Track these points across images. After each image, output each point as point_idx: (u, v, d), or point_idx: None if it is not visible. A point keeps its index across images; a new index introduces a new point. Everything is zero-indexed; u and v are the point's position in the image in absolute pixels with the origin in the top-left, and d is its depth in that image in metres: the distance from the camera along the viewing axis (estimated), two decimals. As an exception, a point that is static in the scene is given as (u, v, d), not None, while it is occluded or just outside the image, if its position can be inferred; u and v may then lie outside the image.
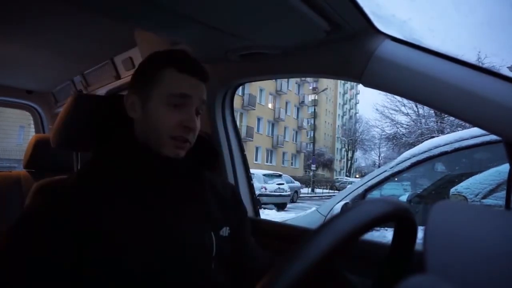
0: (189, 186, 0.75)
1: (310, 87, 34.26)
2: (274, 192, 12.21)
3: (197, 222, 0.72)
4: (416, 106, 17.45)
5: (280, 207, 11.90)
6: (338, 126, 41.95)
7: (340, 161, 42.52)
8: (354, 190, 2.26)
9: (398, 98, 15.65)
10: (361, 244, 0.92)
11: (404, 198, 2.79)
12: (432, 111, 15.10)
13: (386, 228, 1.82)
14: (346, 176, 37.76)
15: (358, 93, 47.12)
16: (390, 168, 2.22)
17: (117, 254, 0.60)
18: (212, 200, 0.80)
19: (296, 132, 33.58)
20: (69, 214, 0.60)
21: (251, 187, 1.40)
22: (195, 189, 0.77)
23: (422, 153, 2.14)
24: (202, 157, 0.81)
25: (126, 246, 0.61)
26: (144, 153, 0.70)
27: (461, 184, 2.29)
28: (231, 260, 0.79)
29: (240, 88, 1.55)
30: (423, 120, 17.75)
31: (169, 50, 0.76)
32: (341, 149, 42.07)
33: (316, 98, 32.70)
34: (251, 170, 1.48)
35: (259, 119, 26.87)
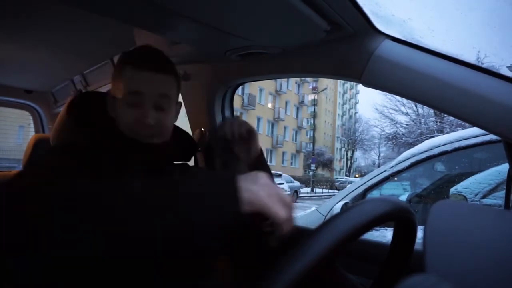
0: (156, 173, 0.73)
1: (310, 87, 34.24)
2: (274, 191, 12.17)
3: None
4: (416, 106, 17.49)
5: (280, 206, 11.87)
6: (338, 125, 41.95)
7: (340, 160, 42.51)
8: (354, 189, 2.25)
9: (398, 97, 15.68)
10: (361, 244, 0.92)
11: (403, 197, 2.79)
12: (432, 111, 15.10)
13: (386, 228, 1.82)
14: (346, 175, 37.77)
15: (358, 93, 47.15)
16: (390, 167, 2.22)
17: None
18: None
19: (296, 132, 33.59)
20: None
21: (251, 187, 1.40)
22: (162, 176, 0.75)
23: (422, 152, 2.14)
24: (179, 149, 0.81)
25: None
26: (118, 136, 0.70)
27: (461, 183, 2.28)
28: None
29: (240, 88, 1.54)
30: (423, 120, 17.77)
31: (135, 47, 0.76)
32: (340, 149, 42.08)
33: (315, 97, 32.67)
34: (251, 170, 1.47)
35: (258, 119, 26.86)
